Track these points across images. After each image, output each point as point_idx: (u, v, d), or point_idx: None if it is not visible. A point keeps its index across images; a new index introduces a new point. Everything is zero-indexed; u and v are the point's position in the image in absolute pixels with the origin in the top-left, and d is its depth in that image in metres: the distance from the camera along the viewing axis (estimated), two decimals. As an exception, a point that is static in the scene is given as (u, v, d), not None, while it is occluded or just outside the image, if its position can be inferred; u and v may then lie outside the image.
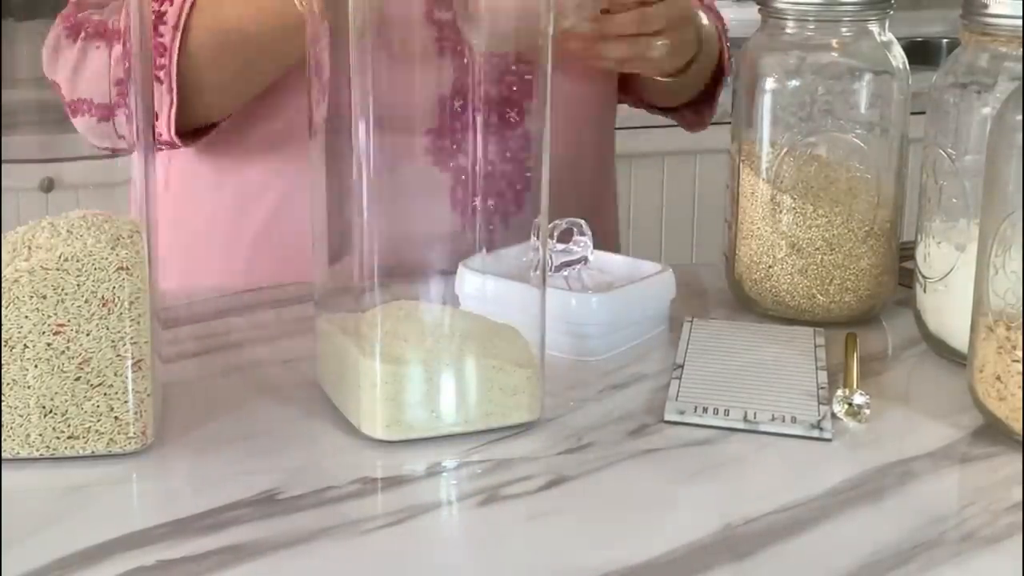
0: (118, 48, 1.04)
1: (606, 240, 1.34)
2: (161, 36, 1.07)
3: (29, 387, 0.79)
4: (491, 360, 0.83)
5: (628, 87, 1.34)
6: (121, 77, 1.05)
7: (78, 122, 1.09)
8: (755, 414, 0.86)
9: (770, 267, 1.05)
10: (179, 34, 1.07)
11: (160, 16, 1.08)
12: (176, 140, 1.12)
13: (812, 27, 1.03)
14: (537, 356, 0.85)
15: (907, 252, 1.06)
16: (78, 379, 0.79)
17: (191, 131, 1.15)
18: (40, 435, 0.79)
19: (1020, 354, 0.82)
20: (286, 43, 1.06)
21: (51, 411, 0.79)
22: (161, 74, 1.07)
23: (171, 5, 1.09)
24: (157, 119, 1.09)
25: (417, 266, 0.86)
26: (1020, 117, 0.81)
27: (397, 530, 0.73)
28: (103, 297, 0.79)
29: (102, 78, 1.08)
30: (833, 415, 0.87)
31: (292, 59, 1.08)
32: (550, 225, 0.97)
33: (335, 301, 0.88)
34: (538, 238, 0.86)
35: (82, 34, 1.08)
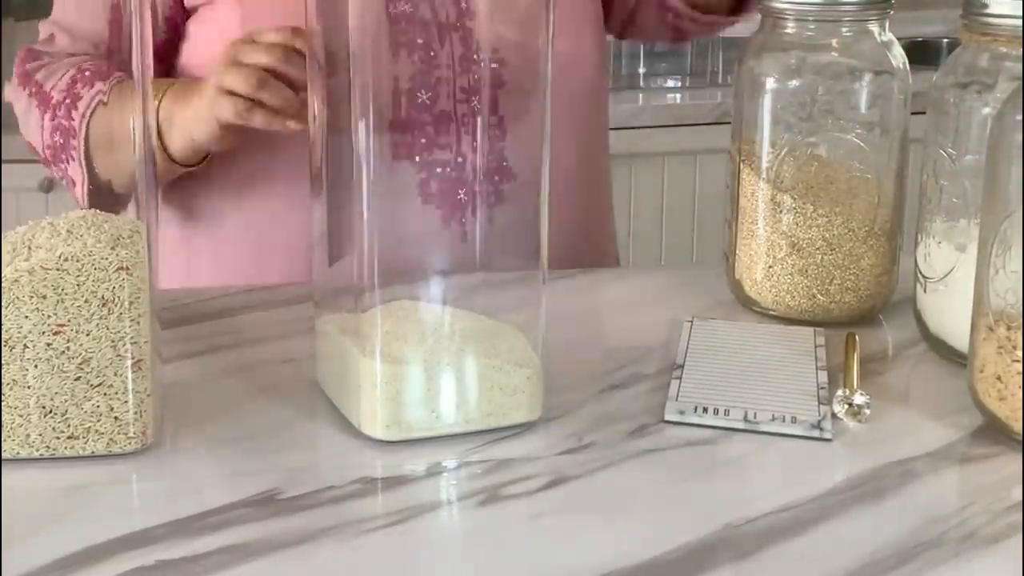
0: (53, 114, 1.11)
1: (599, 242, 1.32)
2: (73, 119, 1.11)
3: (29, 387, 0.78)
4: (491, 360, 0.83)
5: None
6: (50, 142, 1.12)
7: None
8: (755, 414, 0.86)
9: (770, 267, 1.05)
10: (84, 123, 1.12)
11: (75, 100, 1.12)
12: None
13: (812, 27, 1.03)
14: (537, 355, 0.85)
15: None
16: (78, 379, 0.79)
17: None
18: (40, 435, 0.79)
19: (1020, 354, 0.82)
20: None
21: (51, 411, 0.79)
22: (74, 153, 1.12)
23: (90, 89, 1.13)
24: (75, 188, 1.14)
25: (416, 266, 0.87)
26: (1020, 117, 0.81)
27: (397, 530, 0.73)
28: (103, 297, 0.79)
29: (37, 139, 1.15)
30: (833, 415, 0.87)
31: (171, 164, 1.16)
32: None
33: (335, 301, 0.88)
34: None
35: (27, 91, 1.15)
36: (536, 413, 0.85)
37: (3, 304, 0.77)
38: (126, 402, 0.80)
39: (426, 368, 0.82)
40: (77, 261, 0.78)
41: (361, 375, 0.82)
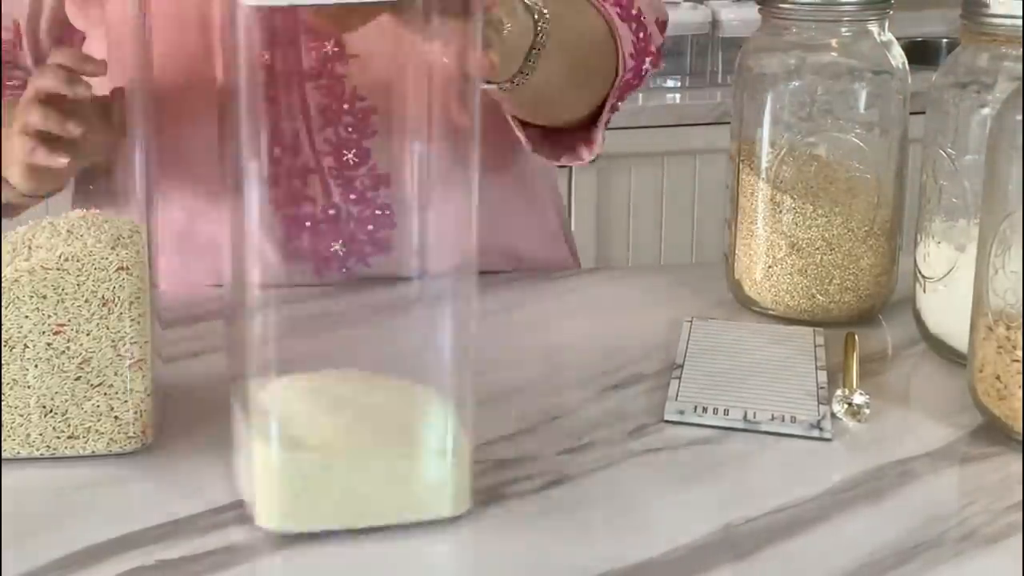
0: None
1: (545, 242, 1.26)
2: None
3: (29, 387, 0.79)
4: (402, 449, 0.73)
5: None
6: None
7: None
8: (755, 414, 0.86)
9: (770, 267, 1.05)
10: None
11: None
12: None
13: (812, 27, 1.03)
14: (465, 431, 0.73)
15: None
16: (78, 379, 0.79)
17: None
18: (40, 435, 0.79)
19: (1020, 354, 0.82)
20: None
21: (51, 411, 0.79)
22: None
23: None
24: None
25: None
26: (1020, 117, 0.81)
27: (396, 530, 0.73)
28: (103, 297, 0.79)
29: None
30: (833, 415, 0.87)
31: None
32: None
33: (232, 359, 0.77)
34: None
35: None
36: (462, 506, 0.74)
37: (3, 304, 0.77)
38: (126, 402, 0.80)
39: (327, 458, 0.72)
40: (77, 261, 0.78)
41: (254, 460, 0.72)
